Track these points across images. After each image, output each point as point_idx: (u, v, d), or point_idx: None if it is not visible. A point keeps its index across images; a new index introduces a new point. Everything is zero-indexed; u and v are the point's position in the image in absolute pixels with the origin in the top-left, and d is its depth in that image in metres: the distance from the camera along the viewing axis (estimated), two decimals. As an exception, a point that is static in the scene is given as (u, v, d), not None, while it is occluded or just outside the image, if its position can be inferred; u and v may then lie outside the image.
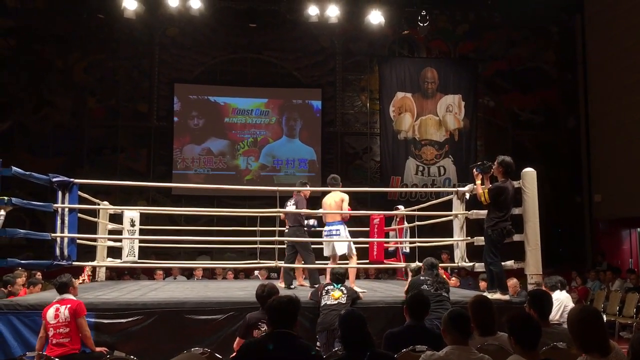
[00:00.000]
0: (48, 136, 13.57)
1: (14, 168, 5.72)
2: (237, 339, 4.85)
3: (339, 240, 6.85)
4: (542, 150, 15.01)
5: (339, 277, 5.72)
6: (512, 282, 7.21)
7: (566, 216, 14.78)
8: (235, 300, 5.79)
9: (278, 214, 7.18)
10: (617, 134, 13.65)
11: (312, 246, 7.21)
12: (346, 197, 6.96)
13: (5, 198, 5.54)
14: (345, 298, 5.49)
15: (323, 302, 5.50)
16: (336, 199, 6.91)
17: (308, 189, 7.50)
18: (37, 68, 13.67)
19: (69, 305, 4.85)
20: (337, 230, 6.84)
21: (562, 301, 6.27)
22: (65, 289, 5.01)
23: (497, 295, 5.89)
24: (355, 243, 8.93)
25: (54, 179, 6.23)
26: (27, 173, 5.95)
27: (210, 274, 11.64)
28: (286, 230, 7.36)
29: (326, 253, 7.07)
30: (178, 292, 6.94)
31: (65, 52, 13.87)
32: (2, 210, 5.51)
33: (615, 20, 13.77)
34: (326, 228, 6.97)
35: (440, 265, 6.06)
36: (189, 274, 11.33)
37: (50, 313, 4.84)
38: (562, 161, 15.10)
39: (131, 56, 14.21)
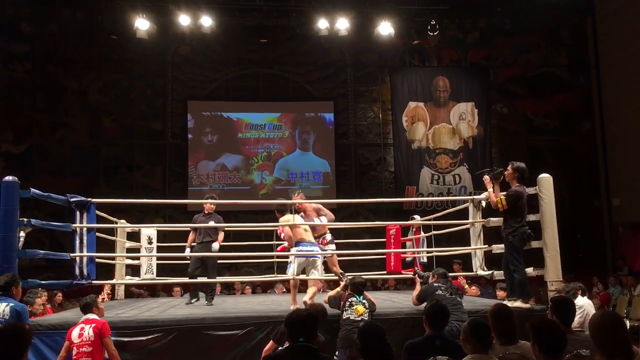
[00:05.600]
0: (65, 157, 13.75)
1: (33, 190, 5.79)
2: (271, 342, 4.95)
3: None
4: (558, 155, 14.89)
5: (360, 287, 5.66)
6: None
7: (585, 221, 14.60)
8: (254, 315, 5.79)
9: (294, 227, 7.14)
10: (633, 136, 13.50)
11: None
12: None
13: (25, 220, 5.61)
14: (367, 314, 5.44)
15: (345, 316, 5.44)
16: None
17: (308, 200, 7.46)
18: (52, 90, 13.89)
19: (93, 325, 4.88)
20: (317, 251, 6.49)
21: (585, 307, 6.18)
22: (88, 309, 5.05)
23: (517, 303, 5.83)
24: (372, 254, 8.97)
25: (72, 199, 6.31)
26: (46, 194, 6.03)
27: (228, 290, 11.65)
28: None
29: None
30: (197, 309, 6.96)
31: (80, 73, 14.08)
32: (22, 232, 5.58)
33: (627, 22, 13.69)
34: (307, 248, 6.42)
35: (455, 274, 6.03)
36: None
37: (75, 333, 4.89)
38: (578, 165, 14.95)
39: (144, 75, 14.38)
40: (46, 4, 13.69)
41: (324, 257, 6.83)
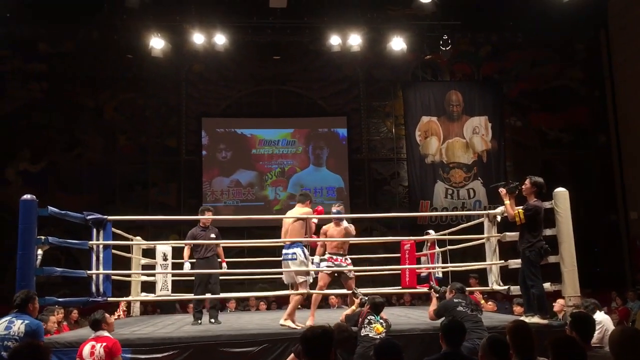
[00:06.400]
0: (81, 174, 13.89)
1: (50, 208, 5.85)
2: (292, 355, 4.87)
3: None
4: (573, 168, 14.77)
5: (379, 308, 5.61)
6: (560, 302, 6.94)
7: (602, 235, 14.44)
8: (269, 332, 5.78)
9: (308, 242, 7.10)
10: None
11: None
12: (309, 212, 6.34)
13: (42, 237, 5.66)
14: (385, 334, 5.40)
15: (364, 333, 5.38)
16: (292, 220, 6.34)
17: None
18: (68, 109, 14.08)
19: (104, 344, 4.86)
20: (293, 254, 6.15)
21: (604, 323, 6.09)
22: (98, 326, 5.03)
23: (535, 319, 5.76)
24: (387, 270, 8.92)
25: (88, 217, 6.35)
26: (63, 212, 6.08)
27: (243, 306, 11.63)
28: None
29: (285, 280, 6.47)
30: (212, 325, 6.96)
31: (96, 92, 14.28)
32: (40, 250, 5.62)
33: (641, 35, 13.63)
34: (283, 251, 6.32)
35: (469, 289, 5.99)
36: (222, 306, 11.32)
37: (86, 350, 4.87)
38: (594, 179, 14.82)
39: (159, 93, 14.55)
40: (63, 24, 13.92)
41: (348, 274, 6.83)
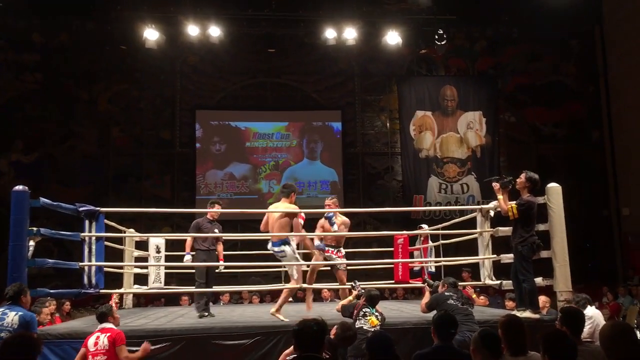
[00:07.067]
0: (74, 166, 13.84)
1: (42, 199, 5.82)
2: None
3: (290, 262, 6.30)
4: (566, 164, 14.83)
5: (375, 300, 5.61)
6: (542, 299, 7.02)
7: (594, 231, 14.51)
8: (261, 325, 5.79)
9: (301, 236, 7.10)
10: (642, 145, 13.44)
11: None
12: (295, 208, 6.29)
13: (35, 229, 5.63)
14: (379, 327, 5.41)
15: (359, 325, 5.37)
16: (278, 215, 6.25)
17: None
18: (63, 100, 14.00)
19: (108, 334, 4.90)
20: (281, 252, 6.20)
21: (595, 318, 6.12)
22: (104, 319, 5.05)
23: (527, 314, 5.79)
24: (380, 264, 8.93)
25: (81, 209, 6.32)
26: (55, 203, 6.06)
27: (236, 299, 11.64)
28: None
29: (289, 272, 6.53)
30: (205, 318, 6.95)
31: (90, 83, 14.20)
32: (32, 241, 5.60)
33: (635, 31, 13.65)
34: (270, 247, 6.34)
35: (461, 283, 6.02)
36: (215, 299, 11.32)
37: (91, 341, 4.90)
38: (587, 174, 14.88)
39: (153, 85, 14.49)
40: (57, 15, 13.82)
41: (339, 267, 6.83)
